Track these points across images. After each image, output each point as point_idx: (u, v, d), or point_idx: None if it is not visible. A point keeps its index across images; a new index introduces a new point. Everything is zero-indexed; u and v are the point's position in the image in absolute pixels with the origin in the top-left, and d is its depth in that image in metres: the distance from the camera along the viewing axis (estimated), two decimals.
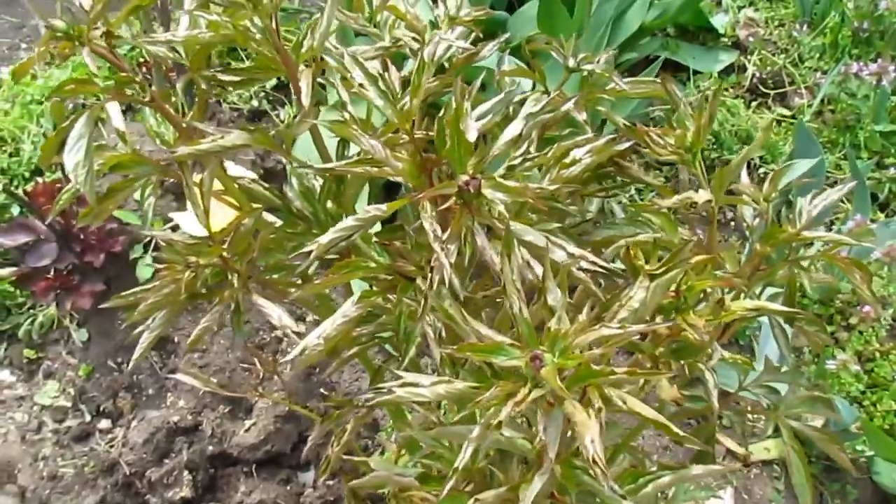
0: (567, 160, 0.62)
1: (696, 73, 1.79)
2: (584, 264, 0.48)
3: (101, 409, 1.37)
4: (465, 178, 0.42)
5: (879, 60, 1.51)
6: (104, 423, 1.38)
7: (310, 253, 0.49)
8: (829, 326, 1.39)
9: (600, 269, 0.49)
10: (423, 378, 0.44)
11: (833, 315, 1.40)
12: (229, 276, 0.69)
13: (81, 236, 1.26)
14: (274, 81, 1.70)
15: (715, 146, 1.67)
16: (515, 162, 0.48)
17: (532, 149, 0.59)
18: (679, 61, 1.79)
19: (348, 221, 0.48)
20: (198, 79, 0.67)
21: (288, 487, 1.34)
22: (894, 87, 1.62)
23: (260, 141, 0.67)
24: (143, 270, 1.31)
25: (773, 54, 1.83)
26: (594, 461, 0.36)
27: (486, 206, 0.44)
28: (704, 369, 0.60)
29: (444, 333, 0.50)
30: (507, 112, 0.67)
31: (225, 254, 0.69)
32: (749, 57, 1.82)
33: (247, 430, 1.37)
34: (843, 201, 1.51)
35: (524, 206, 0.67)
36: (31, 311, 1.40)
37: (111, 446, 1.34)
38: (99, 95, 0.68)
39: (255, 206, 0.74)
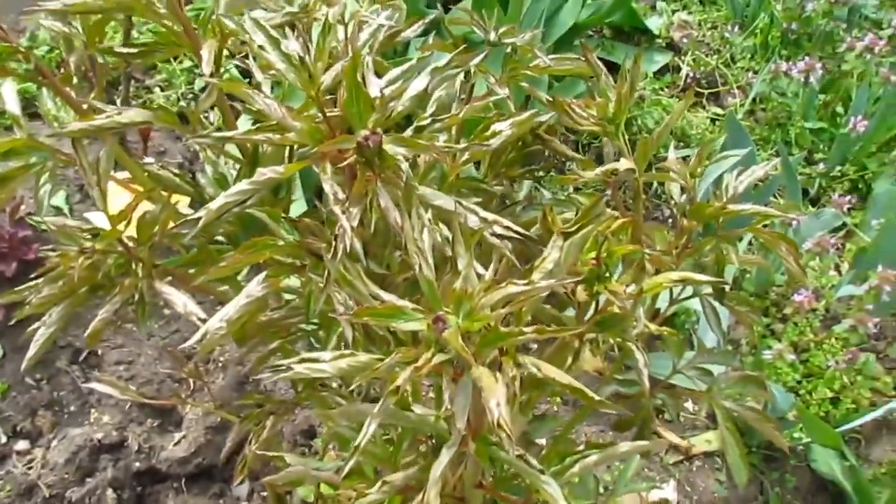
0: (488, 133, 0.60)
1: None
2: (497, 229, 0.45)
3: (19, 428, 1.29)
4: (364, 132, 0.39)
5: (807, 59, 1.54)
6: (22, 444, 1.30)
7: (198, 221, 0.45)
8: (765, 318, 1.39)
9: (515, 235, 0.46)
10: (324, 354, 0.40)
11: (768, 307, 1.41)
12: (133, 266, 0.65)
13: None
14: (202, 83, 1.65)
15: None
16: (424, 123, 0.45)
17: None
18: (615, 61, 1.80)
19: (241, 185, 0.45)
20: (95, 53, 0.63)
21: (221, 502, 1.28)
22: (822, 86, 1.65)
23: (163, 118, 0.63)
24: None
25: (707, 55, 1.86)
26: (499, 425, 0.33)
27: (392, 168, 0.41)
28: (633, 347, 0.58)
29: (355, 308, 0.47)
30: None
31: (127, 241, 0.65)
32: (683, 58, 1.84)
33: (176, 444, 1.31)
34: (774, 196, 1.53)
35: (444, 183, 0.64)
36: None
37: (29, 468, 1.26)
38: None
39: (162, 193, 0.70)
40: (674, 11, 1.99)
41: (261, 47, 0.49)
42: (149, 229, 0.67)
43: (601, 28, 1.89)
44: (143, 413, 1.32)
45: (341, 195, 0.41)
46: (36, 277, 0.64)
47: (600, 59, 1.78)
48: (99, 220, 1.26)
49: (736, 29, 1.86)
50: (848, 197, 1.39)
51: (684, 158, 1.66)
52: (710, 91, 1.80)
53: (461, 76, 0.69)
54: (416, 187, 0.44)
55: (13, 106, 0.67)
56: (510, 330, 0.37)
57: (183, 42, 0.63)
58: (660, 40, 1.89)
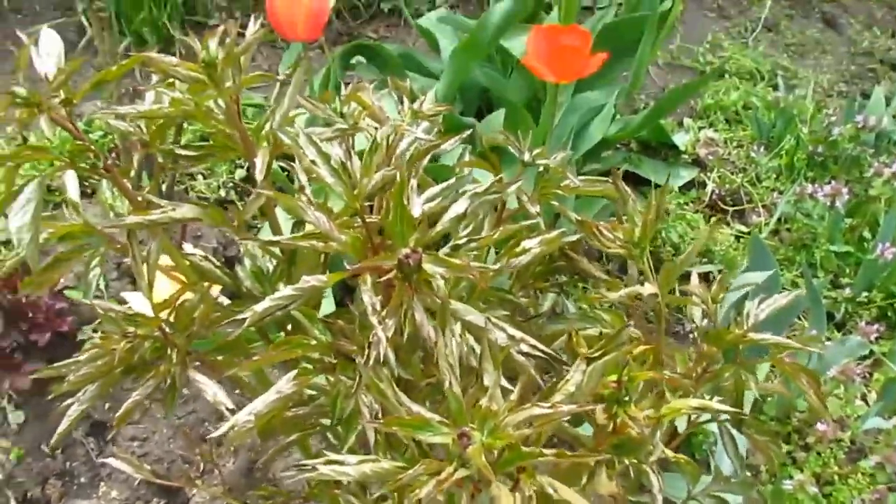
0: (517, 249, 0.63)
1: (657, 186, 1.85)
2: (523, 347, 0.47)
3: (29, 496, 1.29)
4: (405, 251, 0.42)
5: (833, 183, 1.57)
6: None
7: (243, 321, 0.47)
8: (787, 445, 1.37)
9: (540, 354, 0.48)
10: (349, 457, 0.42)
11: (790, 433, 1.39)
12: (168, 351, 0.68)
13: (30, 314, 1.22)
14: (243, 173, 1.72)
15: (674, 257, 1.70)
16: (461, 241, 0.48)
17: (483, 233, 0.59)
18: (641, 175, 1.85)
19: (286, 290, 0.48)
20: (156, 153, 0.68)
21: None
22: (849, 209, 1.68)
23: (212, 217, 0.66)
24: None
25: (732, 173, 1.90)
26: None
27: (427, 282, 0.43)
28: (649, 470, 0.58)
29: (380, 414, 0.49)
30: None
31: (165, 328, 0.68)
32: (709, 174, 1.89)
33: None
34: (799, 318, 1.53)
35: (473, 293, 0.67)
36: None
37: None
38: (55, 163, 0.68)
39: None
40: (700, 129, 2.05)
41: (312, 161, 0.53)
42: (187, 317, 0.69)
43: (629, 142, 1.95)
44: (151, 491, 1.32)
45: (378, 306, 0.44)
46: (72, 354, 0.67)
47: (627, 172, 1.85)
48: (137, 301, 1.30)
49: (762, 149, 1.91)
50: (875, 325, 1.39)
51: (707, 275, 1.69)
52: (735, 208, 1.83)
53: None
54: (450, 303, 0.46)
55: (74, 194, 0.72)
56: (531, 450, 0.38)
57: (238, 147, 0.68)
58: (686, 156, 1.94)
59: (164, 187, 0.91)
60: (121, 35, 1.88)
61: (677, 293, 1.67)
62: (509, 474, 0.39)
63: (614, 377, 0.50)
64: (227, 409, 0.61)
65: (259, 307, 0.48)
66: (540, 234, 0.66)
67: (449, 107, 0.81)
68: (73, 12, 1.97)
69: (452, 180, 0.55)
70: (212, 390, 0.62)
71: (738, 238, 1.76)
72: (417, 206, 0.45)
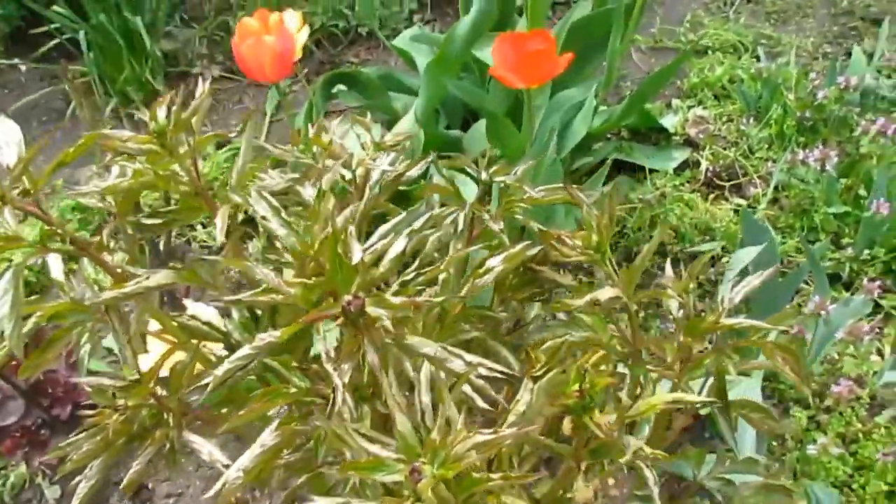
0: (481, 270, 0.64)
1: (651, 171, 1.85)
2: (482, 371, 0.49)
3: None
4: (347, 298, 0.44)
5: (821, 147, 1.56)
6: None
7: (210, 385, 0.49)
8: (808, 410, 1.37)
9: (499, 375, 0.49)
10: (323, 500, 0.43)
11: (811, 398, 1.38)
12: (165, 416, 0.70)
13: (49, 389, 1.26)
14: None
15: (675, 240, 1.70)
16: (408, 277, 0.49)
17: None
18: (634, 161, 1.85)
19: (244, 350, 0.50)
20: (125, 225, 0.70)
21: None
22: (842, 169, 1.67)
23: (186, 278, 0.69)
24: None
25: (724, 148, 1.89)
26: None
27: (374, 324, 0.45)
28: (643, 466, 0.59)
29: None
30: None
31: (160, 392, 0.70)
32: (701, 152, 1.88)
33: None
34: (806, 283, 1.53)
35: (448, 316, 0.68)
36: (2, 471, 1.38)
37: None
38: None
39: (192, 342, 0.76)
40: (689, 107, 2.05)
41: (263, 217, 0.55)
42: (179, 379, 0.72)
43: (619, 131, 1.95)
44: None
45: (333, 353, 0.46)
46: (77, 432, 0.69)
47: (617, 161, 1.85)
48: (144, 363, 1.33)
49: (751, 121, 1.90)
50: (878, 281, 1.38)
51: (710, 252, 1.68)
52: (731, 183, 1.83)
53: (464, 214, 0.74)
54: (405, 338, 0.48)
55: (58, 274, 0.75)
56: (480, 476, 0.39)
57: (203, 207, 0.70)
58: (677, 137, 1.94)
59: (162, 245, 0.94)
60: (107, 96, 1.92)
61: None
62: (472, 500, 0.40)
63: (577, 387, 0.51)
64: (223, 465, 0.63)
65: (219, 371, 0.50)
66: (503, 250, 0.68)
67: (409, 135, 0.83)
68: (59, 80, 2.02)
69: (396, 220, 0.57)
70: (206, 450, 0.64)
71: (736, 212, 1.76)
72: (357, 253, 0.47)
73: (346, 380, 0.44)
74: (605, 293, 0.59)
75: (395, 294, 0.48)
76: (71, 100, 1.95)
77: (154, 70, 1.90)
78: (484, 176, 0.73)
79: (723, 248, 1.68)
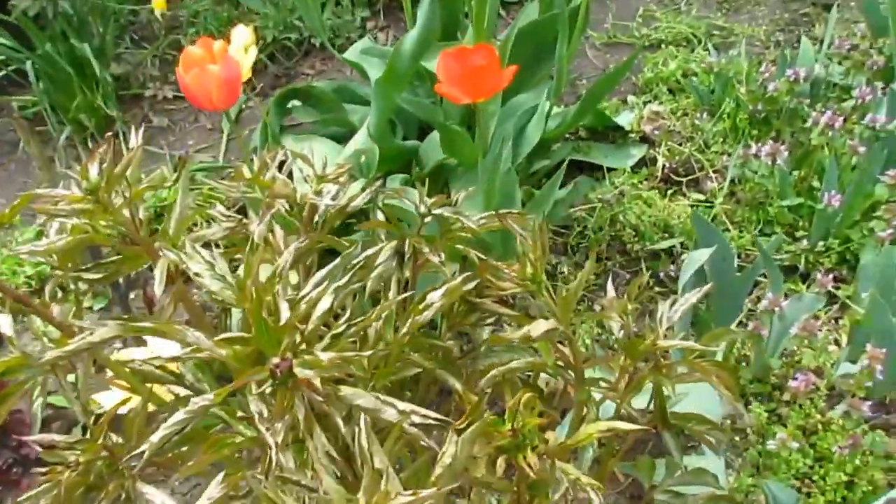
0: (421, 306, 0.65)
1: (610, 169, 1.87)
2: (415, 419, 0.50)
3: None
4: (275, 360, 0.45)
5: (771, 142, 1.59)
6: None
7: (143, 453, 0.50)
8: (770, 403, 1.40)
9: (433, 421, 0.50)
10: None
11: (771, 392, 1.41)
12: (120, 466, 0.70)
13: (15, 430, 1.25)
14: None
15: (636, 238, 1.73)
16: (339, 330, 0.50)
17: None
18: (593, 161, 1.87)
19: (178, 415, 0.50)
20: (66, 280, 0.70)
21: None
22: (795, 161, 1.70)
23: (131, 330, 0.69)
24: None
25: (680, 144, 1.92)
26: None
27: (303, 383, 0.46)
28: (589, 490, 0.61)
29: None
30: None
31: (114, 437, 0.70)
32: (658, 149, 1.91)
33: None
34: (763, 276, 1.55)
35: (393, 350, 0.69)
36: None
37: None
38: None
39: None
40: (645, 103, 2.07)
41: (196, 274, 0.56)
42: (132, 427, 0.72)
43: (577, 130, 1.97)
44: None
45: (265, 413, 0.47)
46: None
47: (577, 161, 1.87)
48: (107, 400, 1.32)
49: (705, 115, 1.93)
50: (832, 274, 1.41)
51: (671, 249, 1.70)
52: (688, 178, 1.85)
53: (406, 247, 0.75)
54: (339, 390, 0.49)
55: (7, 329, 0.75)
56: None
57: (145, 256, 0.71)
58: (633, 135, 1.96)
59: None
60: (60, 125, 1.91)
61: (645, 273, 1.70)
62: None
63: (508, 427, 0.52)
64: None
65: (155, 437, 0.50)
66: (443, 284, 0.69)
67: (347, 167, 0.83)
68: (12, 110, 2.00)
69: (323, 272, 0.58)
70: (159, 500, 0.64)
71: (694, 207, 1.78)
72: (285, 313, 0.47)
73: (280, 439, 0.45)
74: (539, 327, 0.61)
75: (326, 349, 0.49)
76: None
77: (106, 95, 1.89)
78: (423, 209, 0.74)
79: (681, 244, 1.71)
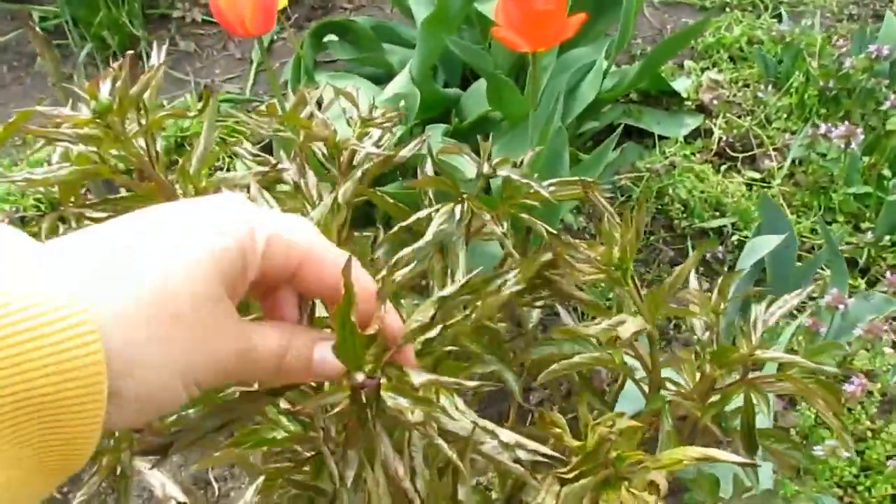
0: (492, 289, 0.55)
1: (661, 138, 1.74)
2: (521, 454, 0.39)
3: None
4: (360, 377, 0.34)
5: (847, 123, 1.46)
6: None
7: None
8: None
9: (542, 459, 0.40)
10: None
11: None
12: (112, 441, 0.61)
13: None
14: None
15: (685, 214, 1.61)
16: (433, 334, 0.39)
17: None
18: (643, 127, 1.75)
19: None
20: (68, 215, 0.60)
21: None
22: (866, 146, 1.56)
23: None
24: None
25: (739, 116, 1.79)
26: None
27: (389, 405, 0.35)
28: None
29: None
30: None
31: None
32: (715, 120, 1.78)
33: None
34: (822, 268, 1.44)
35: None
36: None
37: None
38: None
39: None
40: (703, 70, 1.93)
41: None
42: None
43: (628, 92, 1.84)
44: None
45: (333, 432, 0.37)
46: None
47: (628, 126, 1.74)
48: None
49: (769, 88, 1.79)
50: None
51: (721, 229, 1.58)
52: (744, 154, 1.73)
53: (461, 212, 0.64)
54: (435, 408, 0.38)
55: None
56: None
57: (159, 196, 0.60)
58: (689, 102, 1.82)
59: None
60: (81, 41, 1.79)
61: (691, 251, 1.58)
62: None
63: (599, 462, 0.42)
64: (178, 502, 0.54)
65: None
66: (515, 265, 0.58)
67: (399, 113, 0.72)
68: (31, 20, 1.88)
69: (422, 242, 0.48)
70: (158, 482, 0.55)
71: (749, 186, 1.66)
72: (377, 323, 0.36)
73: (352, 473, 0.35)
74: (628, 328, 0.50)
75: (419, 357, 0.38)
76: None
77: (132, 13, 1.77)
78: (486, 168, 0.63)
79: (733, 224, 1.59)
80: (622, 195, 1.67)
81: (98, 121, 0.53)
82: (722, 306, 0.60)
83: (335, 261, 0.35)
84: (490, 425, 0.40)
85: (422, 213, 0.61)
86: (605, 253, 0.54)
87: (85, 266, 0.29)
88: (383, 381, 0.34)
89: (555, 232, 0.63)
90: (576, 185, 0.63)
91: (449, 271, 0.63)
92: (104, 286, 0.29)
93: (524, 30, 1.09)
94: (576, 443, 0.44)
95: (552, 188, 0.64)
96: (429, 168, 0.73)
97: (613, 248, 0.54)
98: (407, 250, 0.54)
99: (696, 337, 0.64)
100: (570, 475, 0.39)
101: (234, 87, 1.89)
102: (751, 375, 0.59)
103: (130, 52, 1.03)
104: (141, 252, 0.30)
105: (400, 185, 1.26)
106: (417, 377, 0.35)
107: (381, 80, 1.70)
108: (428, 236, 0.60)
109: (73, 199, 0.61)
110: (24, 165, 1.54)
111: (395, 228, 0.62)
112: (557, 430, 0.43)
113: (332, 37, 1.71)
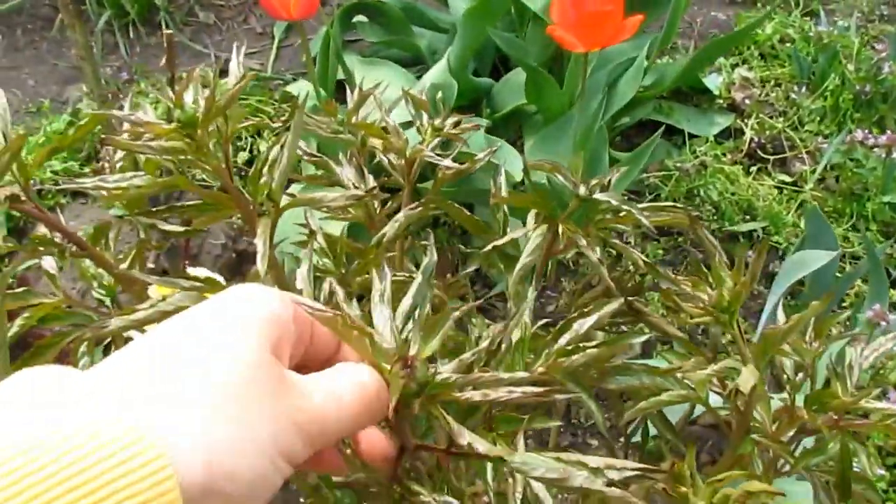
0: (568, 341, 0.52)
1: (691, 136, 1.71)
2: (611, 474, 0.37)
3: None
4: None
5: (889, 132, 1.43)
6: None
7: None
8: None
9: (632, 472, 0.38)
10: None
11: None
12: None
13: None
14: (246, 156, 1.59)
15: (715, 216, 1.58)
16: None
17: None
18: (673, 124, 1.71)
19: None
20: (137, 224, 0.57)
21: None
22: None
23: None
24: None
25: (771, 117, 1.75)
26: None
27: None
28: None
29: None
30: None
31: None
32: (746, 120, 1.74)
33: None
34: (863, 281, 1.42)
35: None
36: None
37: None
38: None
39: None
40: (734, 67, 1.89)
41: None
42: None
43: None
44: None
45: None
46: None
47: (658, 122, 1.70)
48: None
49: (803, 89, 1.76)
50: None
51: (751, 233, 1.56)
52: (776, 157, 1.70)
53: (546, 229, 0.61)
54: (513, 456, 0.36)
55: (49, 266, 0.62)
56: None
57: (231, 207, 0.57)
58: (720, 101, 1.79)
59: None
60: (99, 7, 1.73)
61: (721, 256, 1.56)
62: None
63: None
64: None
65: None
66: (597, 308, 0.55)
67: (476, 125, 0.69)
68: None
69: (519, 266, 0.44)
70: None
71: (780, 189, 1.64)
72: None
73: None
74: (748, 381, 0.48)
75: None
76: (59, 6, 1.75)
77: None
78: (582, 191, 0.59)
79: (763, 229, 1.57)
80: (650, 194, 1.64)
81: (183, 133, 0.49)
82: (821, 350, 0.58)
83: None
84: (574, 456, 0.37)
85: (517, 234, 0.58)
86: (717, 297, 0.51)
87: (138, 391, 0.28)
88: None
89: (651, 262, 0.60)
90: (674, 212, 0.60)
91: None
92: (161, 410, 0.28)
93: (580, 30, 1.06)
94: (699, 502, 0.42)
95: (647, 213, 0.61)
96: (502, 180, 0.70)
97: (723, 291, 0.51)
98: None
99: (785, 375, 0.61)
100: None
101: (254, 62, 1.84)
102: (845, 422, 0.57)
103: (169, 31, 0.99)
104: (185, 359, 0.30)
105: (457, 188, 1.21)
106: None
107: (408, 63, 1.65)
108: (524, 259, 0.57)
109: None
110: (42, 136, 1.49)
111: (489, 248, 0.58)
112: (685, 489, 0.41)
113: (361, 17, 1.66)
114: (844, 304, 1.39)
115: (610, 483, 0.38)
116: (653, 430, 0.67)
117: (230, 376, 0.29)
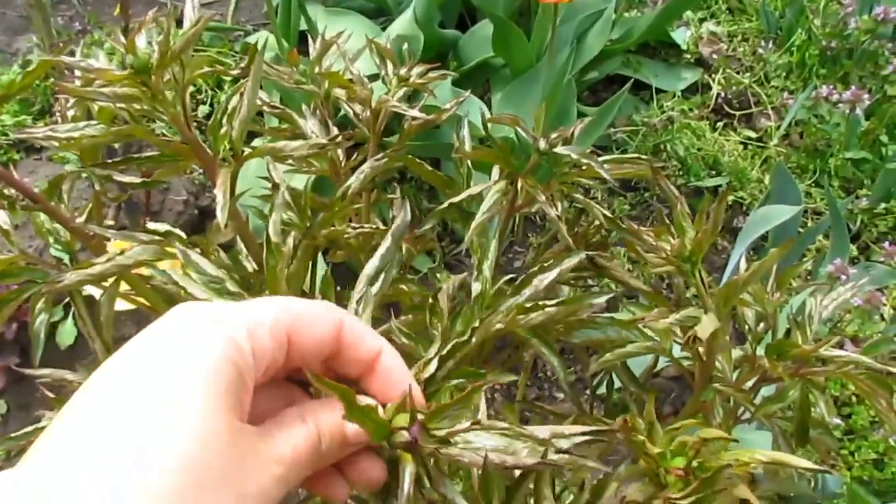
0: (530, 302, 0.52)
1: (658, 91, 1.71)
2: (563, 443, 0.37)
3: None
4: (405, 436, 0.31)
5: (853, 88, 1.44)
6: None
7: None
8: None
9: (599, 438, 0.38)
10: None
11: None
12: None
13: None
14: (206, 109, 1.56)
15: (681, 172, 1.59)
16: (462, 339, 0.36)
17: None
18: (641, 79, 1.71)
19: None
20: (92, 175, 0.55)
21: None
22: (865, 111, 1.56)
23: (171, 255, 0.55)
24: (65, 336, 1.17)
25: (738, 72, 1.76)
26: None
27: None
28: None
29: None
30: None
31: None
32: (713, 75, 1.75)
33: None
34: (825, 237, 1.44)
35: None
36: None
37: None
38: None
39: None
40: (701, 21, 1.89)
41: None
42: None
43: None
44: None
45: None
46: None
47: (625, 76, 1.70)
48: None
49: (770, 45, 1.76)
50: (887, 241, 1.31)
51: (716, 188, 1.57)
52: (741, 112, 1.71)
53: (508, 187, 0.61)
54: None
55: (3, 222, 0.60)
56: None
57: (190, 157, 0.55)
58: (688, 55, 1.79)
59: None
60: None
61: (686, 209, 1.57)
62: None
63: (681, 462, 0.40)
64: None
65: None
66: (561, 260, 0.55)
67: (444, 74, 0.68)
68: None
69: (475, 224, 0.43)
70: None
71: (745, 145, 1.65)
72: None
73: None
74: (706, 328, 0.48)
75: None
76: None
77: None
78: (542, 145, 0.59)
79: (728, 183, 1.58)
80: (617, 149, 1.64)
81: (137, 79, 0.47)
82: (779, 301, 0.59)
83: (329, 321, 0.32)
84: (518, 428, 0.36)
85: (474, 190, 0.58)
86: (678, 246, 0.51)
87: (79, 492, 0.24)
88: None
89: (613, 216, 0.60)
90: (636, 164, 0.60)
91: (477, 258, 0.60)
92: None
93: None
94: (655, 449, 0.42)
95: (608, 166, 0.60)
96: (465, 134, 0.69)
97: (685, 240, 0.52)
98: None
99: (746, 326, 0.62)
100: (683, 500, 0.37)
101: (212, 12, 1.77)
102: (805, 369, 0.58)
103: None
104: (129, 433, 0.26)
105: (424, 142, 1.20)
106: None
107: (372, 14, 1.62)
108: (480, 217, 0.56)
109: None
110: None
111: (446, 205, 0.58)
112: (641, 437, 0.41)
113: None
114: (806, 259, 1.42)
115: (561, 451, 0.38)
116: (617, 383, 0.67)
117: (180, 465, 0.26)
